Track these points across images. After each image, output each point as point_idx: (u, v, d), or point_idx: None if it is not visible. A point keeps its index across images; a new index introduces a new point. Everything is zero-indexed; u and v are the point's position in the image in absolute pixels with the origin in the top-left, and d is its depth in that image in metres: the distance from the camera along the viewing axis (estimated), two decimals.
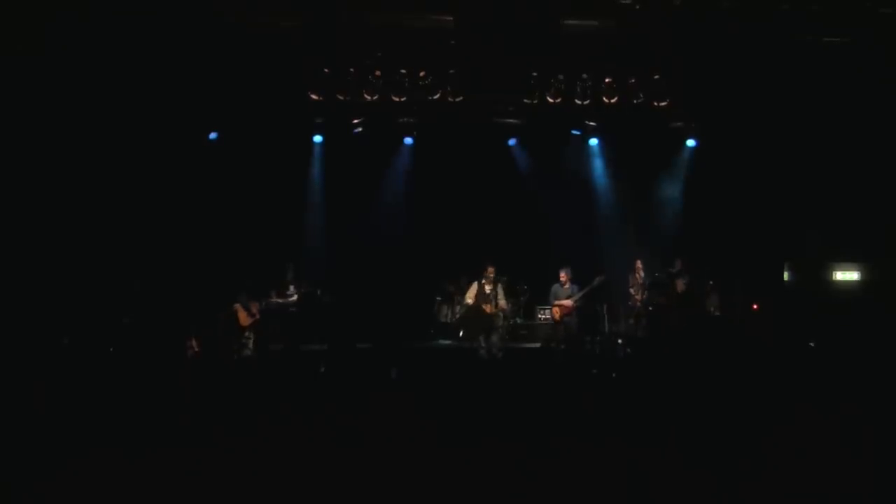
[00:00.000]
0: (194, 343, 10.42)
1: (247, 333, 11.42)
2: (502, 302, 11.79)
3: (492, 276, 11.80)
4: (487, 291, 11.82)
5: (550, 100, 11.41)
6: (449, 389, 6.04)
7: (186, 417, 5.42)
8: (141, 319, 11.02)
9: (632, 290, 12.82)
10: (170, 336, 10.01)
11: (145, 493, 4.32)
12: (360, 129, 12.93)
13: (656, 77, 11.28)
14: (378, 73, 11.19)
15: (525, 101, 11.77)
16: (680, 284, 12.77)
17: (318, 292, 12.32)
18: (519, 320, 13.21)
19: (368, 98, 11.36)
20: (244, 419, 5.43)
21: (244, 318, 11.40)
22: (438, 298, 13.43)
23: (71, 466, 4.66)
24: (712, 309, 12.03)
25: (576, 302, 11.84)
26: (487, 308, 11.61)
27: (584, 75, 11.30)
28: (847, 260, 12.41)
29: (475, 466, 4.59)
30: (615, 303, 12.86)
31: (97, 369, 6.96)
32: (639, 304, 12.67)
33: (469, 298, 12.41)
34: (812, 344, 10.40)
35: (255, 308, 11.58)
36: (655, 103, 11.42)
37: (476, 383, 6.47)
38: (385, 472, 4.50)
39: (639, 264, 12.69)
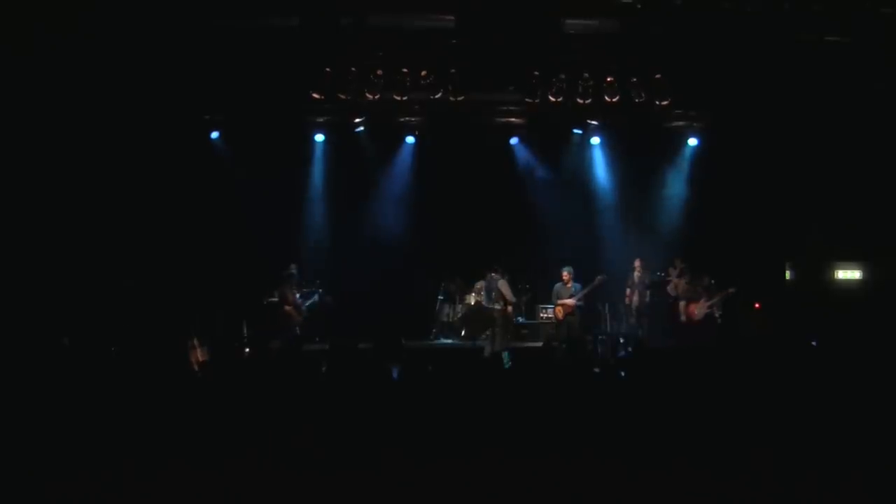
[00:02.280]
0: (196, 342, 10.40)
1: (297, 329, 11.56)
2: (508, 298, 11.84)
3: (495, 275, 11.83)
4: (493, 290, 11.83)
5: (552, 99, 11.39)
6: (450, 390, 6.03)
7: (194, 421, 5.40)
8: (141, 320, 11.03)
9: (628, 290, 12.86)
10: (171, 337, 10.00)
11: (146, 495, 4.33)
12: (361, 129, 12.95)
13: (657, 76, 11.26)
14: (379, 72, 11.18)
15: (526, 100, 11.77)
16: (681, 284, 12.82)
17: (320, 291, 12.34)
18: (521, 319, 13.23)
19: (370, 97, 11.35)
20: (246, 420, 5.41)
21: (295, 317, 11.53)
22: (440, 298, 13.45)
23: (72, 469, 4.66)
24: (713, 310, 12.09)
25: (578, 301, 11.87)
26: (495, 307, 11.64)
27: (586, 74, 11.29)
28: (849, 259, 12.40)
29: (474, 473, 4.58)
30: (616, 302, 12.91)
31: (98, 370, 6.96)
32: (635, 303, 12.73)
33: (472, 297, 12.45)
34: (814, 343, 10.38)
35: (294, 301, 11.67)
36: (657, 102, 11.41)
37: (477, 383, 6.45)
38: (382, 478, 4.49)
39: (637, 263, 12.74)
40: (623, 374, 6.83)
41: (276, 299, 12.21)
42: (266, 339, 10.64)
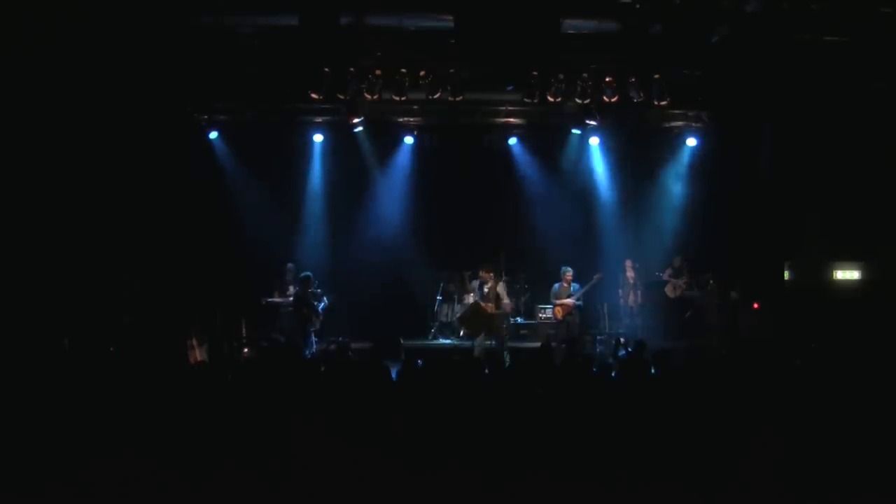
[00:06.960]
0: (194, 342, 10.40)
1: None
2: (505, 301, 11.78)
3: (491, 275, 11.80)
4: (489, 290, 11.79)
5: (551, 99, 11.39)
6: (449, 390, 6.02)
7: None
8: (141, 319, 11.03)
9: (620, 291, 12.82)
10: (170, 336, 10.00)
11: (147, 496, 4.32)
12: (360, 129, 12.94)
13: (656, 76, 11.26)
14: (378, 72, 11.17)
15: (525, 100, 11.77)
16: (679, 285, 12.82)
17: (318, 291, 12.34)
18: (520, 320, 13.23)
19: (369, 97, 11.35)
20: (247, 419, 5.40)
21: (313, 319, 11.56)
22: (439, 297, 13.46)
23: (72, 469, 4.65)
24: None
25: (577, 301, 11.88)
26: (489, 307, 11.60)
27: (585, 74, 11.29)
28: (848, 259, 12.40)
29: (472, 475, 4.57)
30: (615, 302, 12.91)
31: (98, 370, 6.95)
32: (631, 303, 12.71)
33: (471, 297, 12.41)
34: (813, 344, 10.38)
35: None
36: (655, 102, 11.41)
37: (475, 383, 6.44)
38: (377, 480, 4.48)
39: (628, 264, 12.70)
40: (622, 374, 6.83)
41: (277, 299, 12.22)
42: (275, 338, 10.66)
